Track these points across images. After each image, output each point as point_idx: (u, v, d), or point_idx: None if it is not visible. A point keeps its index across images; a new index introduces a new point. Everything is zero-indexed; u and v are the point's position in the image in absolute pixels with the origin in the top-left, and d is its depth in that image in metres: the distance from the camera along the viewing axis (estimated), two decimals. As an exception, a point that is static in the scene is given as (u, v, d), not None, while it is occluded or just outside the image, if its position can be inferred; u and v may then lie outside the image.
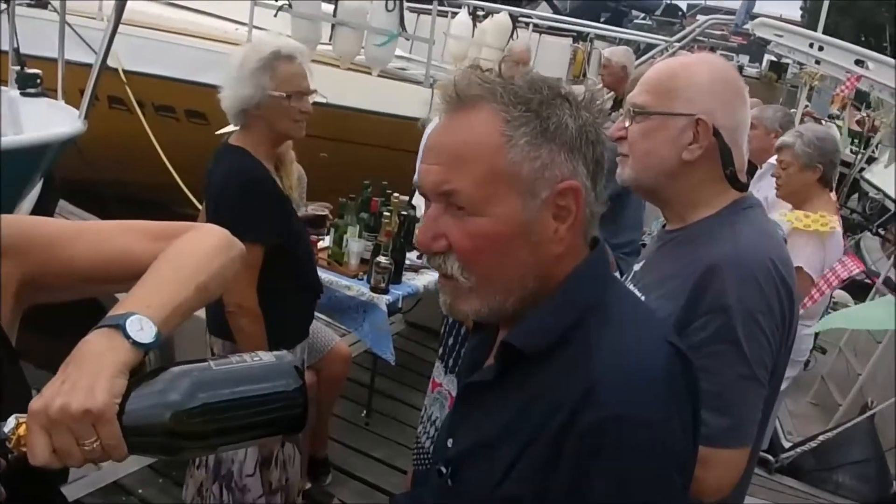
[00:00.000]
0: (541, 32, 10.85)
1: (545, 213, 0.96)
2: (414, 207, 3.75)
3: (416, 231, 1.02)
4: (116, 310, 0.92)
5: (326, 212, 3.24)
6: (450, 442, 1.09)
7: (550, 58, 10.41)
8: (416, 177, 0.99)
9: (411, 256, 3.60)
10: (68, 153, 4.69)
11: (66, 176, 5.52)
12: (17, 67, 5.24)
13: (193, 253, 1.06)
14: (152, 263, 1.03)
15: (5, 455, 0.82)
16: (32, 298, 1.10)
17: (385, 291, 3.35)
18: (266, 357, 0.92)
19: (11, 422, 0.82)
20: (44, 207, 5.31)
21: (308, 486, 3.27)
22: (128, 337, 0.88)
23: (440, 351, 2.59)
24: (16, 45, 5.39)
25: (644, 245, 2.70)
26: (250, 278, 2.35)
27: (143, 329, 0.89)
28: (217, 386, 0.86)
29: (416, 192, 3.26)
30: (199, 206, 3.07)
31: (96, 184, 5.84)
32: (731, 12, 10.22)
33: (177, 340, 2.87)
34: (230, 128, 2.87)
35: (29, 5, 6.03)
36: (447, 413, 1.25)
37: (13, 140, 3.69)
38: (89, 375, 0.83)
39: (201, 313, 2.88)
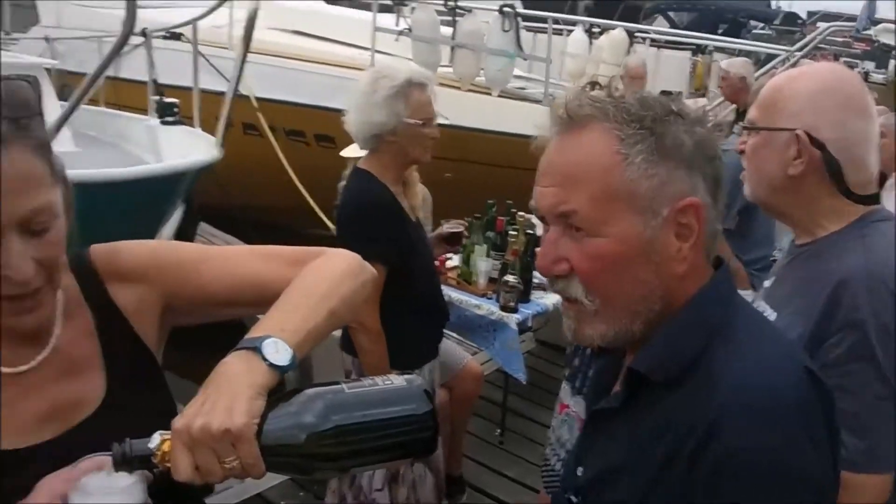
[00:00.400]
0: (658, 47, 10.62)
1: (666, 232, 0.93)
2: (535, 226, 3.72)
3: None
4: (253, 332, 0.95)
5: (462, 228, 3.25)
6: (579, 470, 1.06)
7: (669, 72, 10.18)
8: (532, 201, 0.97)
9: (539, 275, 3.55)
10: (205, 177, 4.90)
11: (204, 201, 5.78)
12: (157, 97, 5.55)
13: (324, 278, 1.08)
14: (286, 289, 1.05)
15: (151, 469, 0.86)
16: (174, 320, 1.18)
17: (514, 310, 3.34)
18: (397, 381, 0.92)
19: (156, 438, 0.86)
20: (185, 231, 5.58)
21: (445, 502, 3.26)
22: (264, 359, 0.90)
23: (566, 372, 2.52)
24: (154, 77, 5.71)
25: (775, 261, 2.57)
26: (371, 297, 2.38)
27: (278, 352, 0.92)
28: (349, 409, 0.88)
29: None
30: (330, 226, 3.13)
31: (231, 207, 6.10)
32: (852, 18, 9.72)
33: (314, 355, 2.93)
34: (353, 149, 2.93)
35: (164, 38, 6.36)
36: (577, 438, 1.20)
37: (154, 168, 3.88)
38: (228, 396, 0.86)
39: (336, 331, 2.95)
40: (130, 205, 3.37)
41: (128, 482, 0.85)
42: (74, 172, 2.74)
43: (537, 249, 2.85)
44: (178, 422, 0.85)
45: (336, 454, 0.87)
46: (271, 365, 0.90)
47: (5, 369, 1.03)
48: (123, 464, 0.85)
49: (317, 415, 0.86)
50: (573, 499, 1.04)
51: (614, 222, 0.92)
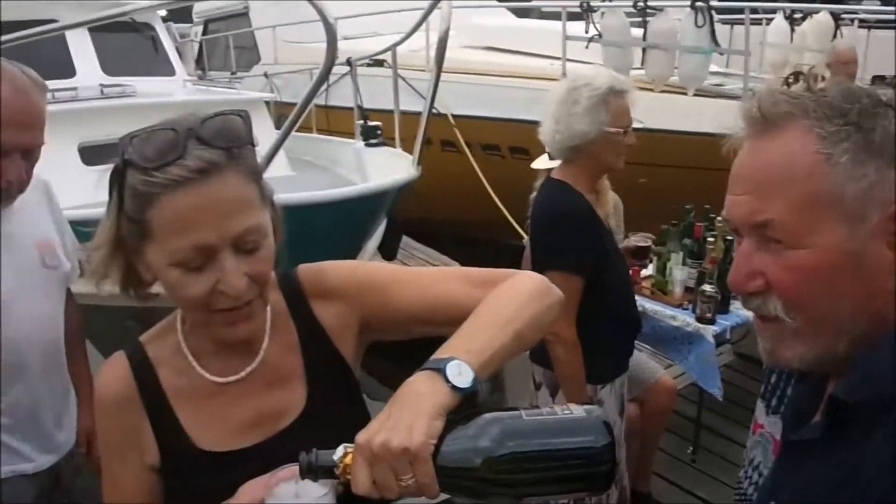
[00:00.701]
0: (869, 27, 9.69)
1: (876, 241, 0.82)
2: (738, 232, 3.56)
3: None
4: (439, 353, 0.99)
5: (649, 242, 3.20)
6: None
7: (882, 54, 9.25)
8: (724, 211, 0.93)
9: (736, 287, 3.40)
10: (407, 194, 5.16)
11: (406, 216, 6.06)
12: (361, 121, 5.91)
13: (511, 300, 1.10)
14: (474, 310, 1.09)
15: (335, 479, 0.92)
16: (371, 337, 1.27)
17: (712, 321, 3.23)
18: (577, 410, 0.92)
19: (340, 451, 0.91)
20: (389, 245, 5.88)
21: None
22: (447, 381, 0.93)
23: (762, 389, 2.39)
24: (359, 102, 6.08)
25: None
26: (567, 308, 2.38)
27: (461, 374, 0.95)
28: (526, 436, 0.88)
29: None
30: (525, 237, 3.20)
31: (432, 221, 6.35)
32: None
33: (506, 368, 3.00)
34: (543, 160, 2.95)
35: (368, 65, 6.73)
36: (771, 465, 1.11)
37: (361, 188, 4.15)
38: (410, 415, 0.89)
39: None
40: (338, 223, 3.62)
41: (320, 492, 0.92)
42: (290, 196, 3.02)
43: None
44: (361, 436, 0.90)
45: (511, 481, 0.88)
46: (453, 387, 0.93)
47: (218, 379, 1.17)
48: (309, 472, 0.91)
49: (493, 440, 0.87)
50: None
51: (818, 232, 0.83)
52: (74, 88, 5.38)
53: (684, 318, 3.28)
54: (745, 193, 0.87)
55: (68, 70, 5.73)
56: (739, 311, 3.34)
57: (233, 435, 1.16)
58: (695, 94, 6.26)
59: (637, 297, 3.25)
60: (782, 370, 2.28)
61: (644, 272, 3.66)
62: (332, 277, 1.24)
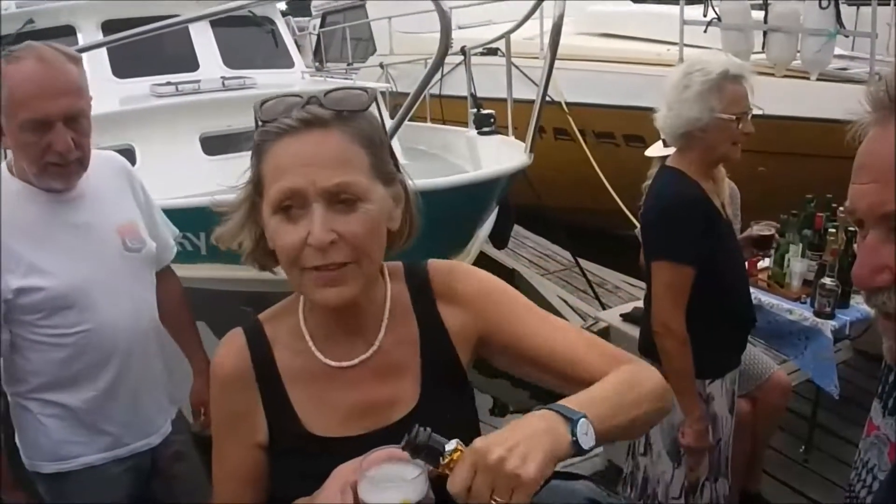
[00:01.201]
0: None
1: None
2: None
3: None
4: (570, 404, 1.01)
5: (773, 231, 3.09)
6: None
7: None
8: (847, 202, 0.87)
9: (859, 282, 3.27)
10: (520, 182, 5.18)
11: (519, 202, 6.09)
12: (475, 109, 5.97)
13: (638, 387, 1.11)
14: (603, 379, 1.10)
15: (435, 465, 0.93)
16: (482, 354, 1.27)
17: (831, 316, 3.10)
18: None
19: (453, 444, 0.93)
20: (501, 233, 5.92)
21: None
22: (573, 434, 0.95)
23: (878, 388, 2.29)
24: (472, 91, 6.14)
25: None
26: (677, 299, 2.35)
27: (587, 434, 0.96)
28: None
29: None
30: (637, 226, 3.18)
31: (545, 210, 6.34)
32: None
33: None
34: (658, 147, 2.90)
35: (482, 54, 6.76)
36: (886, 475, 1.04)
37: (472, 176, 4.20)
38: (532, 448, 0.91)
39: (635, 332, 2.97)
40: (450, 210, 3.67)
41: (413, 474, 0.92)
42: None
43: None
44: (479, 442, 0.92)
45: None
46: (575, 442, 0.95)
47: (332, 363, 1.18)
48: (415, 447, 0.93)
49: None
50: None
51: None
52: (198, 81, 5.64)
53: (801, 313, 3.17)
54: (871, 182, 0.82)
55: (192, 64, 6.03)
56: (860, 306, 3.19)
57: (342, 421, 1.17)
58: (818, 79, 5.99)
59: (753, 290, 3.16)
60: (903, 369, 2.20)
61: (761, 264, 3.54)
62: (465, 284, 1.24)
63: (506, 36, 5.65)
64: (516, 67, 5.91)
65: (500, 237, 6.14)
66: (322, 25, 12.56)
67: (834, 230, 3.22)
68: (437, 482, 0.94)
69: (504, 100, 5.62)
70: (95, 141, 1.94)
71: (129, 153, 4.54)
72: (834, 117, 5.48)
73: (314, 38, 12.88)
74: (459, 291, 1.23)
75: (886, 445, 2.21)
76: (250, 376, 1.19)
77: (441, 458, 0.92)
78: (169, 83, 5.49)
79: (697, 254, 2.33)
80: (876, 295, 0.84)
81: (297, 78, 6.75)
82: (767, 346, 3.33)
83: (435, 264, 1.26)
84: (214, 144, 5.16)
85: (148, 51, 5.52)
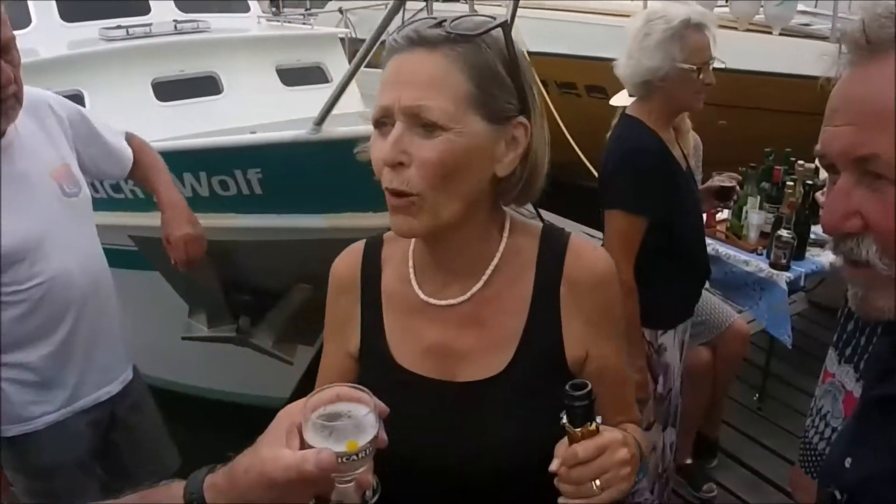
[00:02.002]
0: None
1: None
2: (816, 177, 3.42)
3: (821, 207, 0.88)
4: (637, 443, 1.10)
5: (734, 183, 3.08)
6: (847, 461, 0.91)
7: None
8: (817, 145, 0.84)
9: (816, 230, 3.31)
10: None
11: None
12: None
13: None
14: (633, 428, 1.21)
15: (574, 426, 0.93)
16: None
17: (786, 268, 3.15)
18: None
19: (599, 419, 0.94)
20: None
21: (689, 461, 3.21)
22: (643, 469, 1.06)
23: (835, 337, 2.32)
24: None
25: None
26: (627, 249, 2.32)
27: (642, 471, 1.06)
28: None
29: None
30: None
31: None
32: None
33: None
34: (622, 97, 2.86)
35: (444, 0, 6.63)
36: (846, 422, 1.04)
37: None
38: (634, 467, 0.99)
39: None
40: None
41: (362, 413, 0.88)
42: (350, 129, 2.95)
43: (819, 198, 2.54)
44: (614, 433, 0.97)
45: None
46: (640, 471, 1.04)
47: (426, 298, 1.16)
48: (581, 398, 0.91)
49: None
50: (837, 495, 0.89)
51: None
52: (149, 25, 5.45)
53: (758, 264, 3.21)
54: (846, 125, 0.79)
55: (143, 7, 5.78)
56: (815, 258, 3.26)
57: (419, 358, 1.16)
58: (780, 34, 6.00)
59: (710, 241, 3.19)
60: (858, 318, 2.22)
61: (719, 216, 3.56)
62: (592, 269, 1.16)
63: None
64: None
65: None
66: (279, -31, 12.18)
67: (792, 183, 3.25)
68: (554, 436, 0.96)
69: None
70: (43, 87, 1.84)
71: (78, 99, 4.37)
72: (795, 72, 5.52)
73: (270, -17, 12.49)
74: (584, 276, 1.16)
75: (841, 393, 2.23)
76: (356, 287, 1.22)
77: (587, 424, 0.92)
78: (119, 27, 5.30)
79: (651, 204, 2.30)
80: (844, 241, 0.82)
81: (252, 23, 6.55)
82: (724, 298, 3.36)
83: (576, 240, 1.19)
84: (167, 90, 5.00)
85: (98, -5, 5.32)
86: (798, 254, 3.21)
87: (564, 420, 0.93)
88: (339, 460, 0.83)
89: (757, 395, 3.77)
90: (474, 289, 1.14)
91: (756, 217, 3.37)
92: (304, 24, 6.73)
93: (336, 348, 1.25)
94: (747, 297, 3.27)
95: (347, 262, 1.25)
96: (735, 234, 3.44)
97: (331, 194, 2.94)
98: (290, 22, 6.91)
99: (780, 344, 3.32)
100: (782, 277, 3.12)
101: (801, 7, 6.28)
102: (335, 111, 2.78)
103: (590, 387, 0.91)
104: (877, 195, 0.77)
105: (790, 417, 3.58)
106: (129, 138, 2.27)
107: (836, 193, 0.81)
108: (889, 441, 0.85)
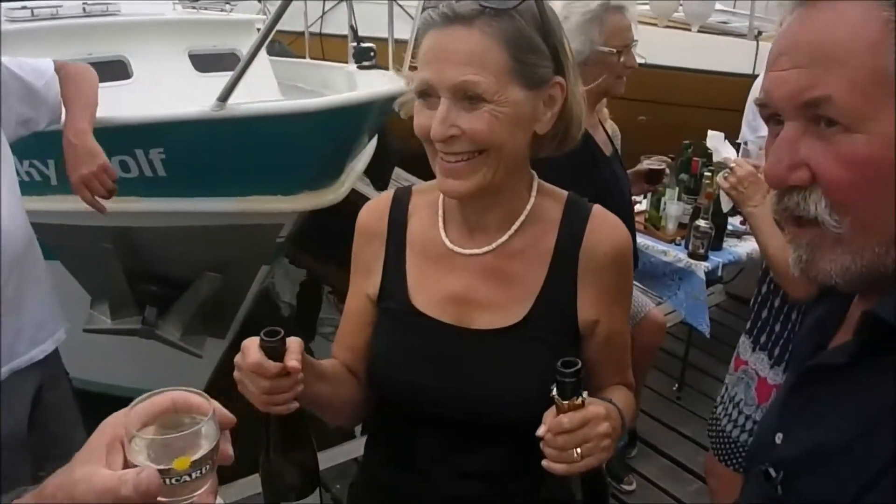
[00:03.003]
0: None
1: None
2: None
3: (764, 165, 0.80)
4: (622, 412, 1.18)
5: (663, 166, 3.06)
6: (778, 437, 0.86)
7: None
8: (759, 93, 0.78)
9: (734, 222, 3.35)
10: (402, 125, 5.02)
11: (404, 147, 5.93)
12: (354, 44, 5.73)
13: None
14: (625, 394, 1.31)
15: (563, 398, 1.00)
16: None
17: (704, 258, 3.17)
18: None
19: (585, 394, 1.01)
20: (379, 173, 5.74)
21: None
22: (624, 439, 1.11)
23: (748, 324, 2.33)
24: (353, 23, 5.88)
25: None
26: None
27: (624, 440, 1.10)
28: None
29: (715, 141, 2.95)
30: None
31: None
32: None
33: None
34: None
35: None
36: (775, 397, 0.99)
37: (337, 99, 3.78)
38: (615, 439, 1.07)
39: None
40: (316, 136, 3.39)
41: (198, 423, 0.72)
42: (261, 106, 2.82)
43: (721, 182, 2.53)
44: (598, 407, 1.04)
45: None
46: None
47: (449, 245, 1.23)
48: (570, 374, 0.97)
49: None
50: (772, 472, 0.84)
51: (879, 117, 0.69)
52: (58, 7, 5.22)
53: (676, 254, 3.23)
54: (794, 67, 0.74)
55: None
56: (733, 249, 3.30)
57: (438, 303, 1.22)
58: (699, 31, 6.10)
59: (629, 231, 3.18)
60: (773, 307, 2.22)
61: (638, 206, 3.57)
62: (617, 267, 1.23)
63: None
64: (398, 5, 5.70)
65: (378, 176, 5.97)
66: (199, -43, 11.84)
67: (710, 174, 3.26)
68: (540, 404, 1.02)
69: (386, 39, 5.42)
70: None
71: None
72: (713, 69, 5.62)
73: (190, -30, 12.13)
74: (604, 251, 1.22)
75: (754, 380, 2.24)
76: (382, 234, 1.29)
77: (573, 398, 0.99)
78: (25, 8, 5.05)
79: (572, 189, 2.26)
80: (790, 196, 0.76)
81: (167, 8, 6.31)
82: (644, 288, 3.36)
83: (601, 213, 1.26)
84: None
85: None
86: (716, 244, 3.23)
87: (554, 392, 0.99)
88: (167, 481, 0.68)
89: (676, 384, 3.80)
90: (499, 241, 1.21)
91: (674, 208, 3.39)
92: (221, 11, 6.52)
93: (357, 290, 1.32)
94: (665, 287, 3.28)
95: (374, 209, 1.32)
96: (653, 225, 3.46)
97: (238, 176, 2.80)
98: (207, 8, 6.70)
99: (697, 334, 3.34)
100: (700, 267, 3.14)
101: (718, 6, 6.41)
102: (250, 98, 2.65)
103: (580, 365, 0.98)
104: (826, 144, 0.72)
105: (708, 406, 3.53)
106: (59, 68, 2.15)
107: (781, 143, 0.75)
108: (821, 413, 0.81)
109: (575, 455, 1.00)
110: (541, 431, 1.02)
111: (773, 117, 0.77)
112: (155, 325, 3.71)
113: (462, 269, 1.22)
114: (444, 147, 1.09)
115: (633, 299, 3.03)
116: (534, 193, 1.24)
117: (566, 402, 0.99)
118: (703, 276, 3.12)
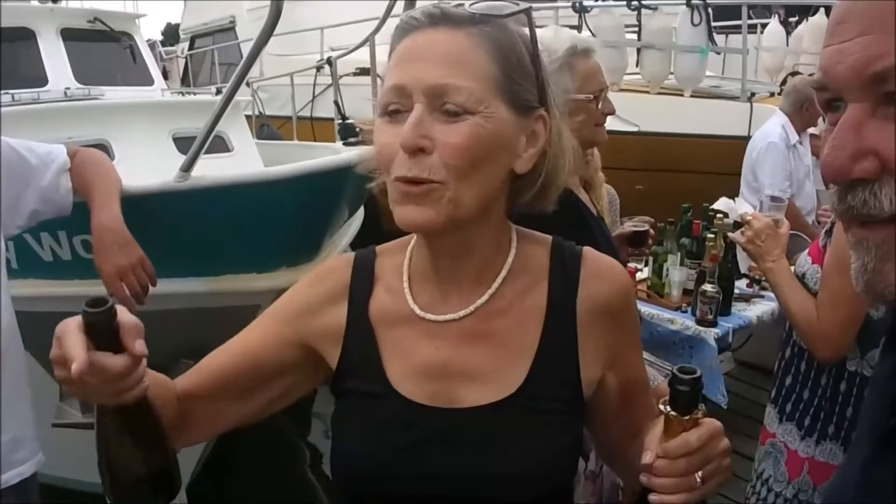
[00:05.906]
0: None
1: None
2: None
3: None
4: None
5: (646, 227, 2.86)
6: None
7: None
8: (817, 72, 0.62)
9: (740, 285, 3.19)
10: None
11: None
12: (340, 120, 5.70)
13: None
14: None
15: (679, 413, 0.87)
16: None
17: (713, 324, 3.02)
18: None
19: (703, 408, 0.88)
20: (371, 241, 5.61)
21: None
22: None
23: (772, 393, 2.14)
24: (338, 99, 5.85)
25: None
26: None
27: None
28: None
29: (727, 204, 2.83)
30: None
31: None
32: None
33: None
34: None
35: (355, 74, 6.60)
36: (836, 482, 0.85)
37: (302, 165, 3.56)
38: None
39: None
40: (288, 205, 3.21)
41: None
42: (228, 176, 2.63)
43: (735, 237, 2.36)
44: (715, 424, 0.89)
45: None
46: None
47: (419, 312, 1.03)
48: (688, 383, 0.84)
49: None
50: None
51: None
52: (40, 92, 5.22)
53: (683, 322, 3.10)
54: (858, 36, 0.60)
55: (41, 80, 5.59)
56: (742, 313, 3.18)
57: (418, 381, 1.03)
58: (692, 96, 6.05)
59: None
60: (799, 372, 2.03)
61: (640, 275, 3.48)
62: (620, 302, 1.08)
63: (370, 39, 5.34)
64: (382, 79, 5.69)
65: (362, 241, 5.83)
66: (191, 48, 12.07)
67: (713, 236, 3.13)
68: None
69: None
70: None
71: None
72: (709, 132, 5.55)
73: (182, 62, 12.37)
74: (607, 297, 1.06)
75: (783, 454, 2.04)
76: (343, 302, 1.08)
77: (694, 412, 0.85)
78: (7, 93, 5.05)
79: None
80: (853, 192, 0.62)
81: (156, 95, 6.34)
82: (652, 358, 3.15)
83: (593, 255, 1.10)
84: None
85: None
86: (724, 309, 3.10)
87: (667, 408, 0.85)
88: None
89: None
90: (480, 301, 1.03)
91: (677, 274, 3.26)
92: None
93: (269, 333, 1.10)
94: (676, 356, 3.11)
95: (335, 267, 1.12)
96: (657, 293, 3.33)
97: (208, 253, 2.61)
98: (195, 94, 6.78)
99: (712, 405, 3.10)
100: (710, 334, 3.00)
101: (709, 73, 6.41)
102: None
103: (699, 372, 0.84)
104: None
105: (729, 482, 3.33)
106: (72, 155, 1.98)
107: (844, 128, 0.61)
108: None
109: (696, 481, 0.86)
110: (648, 459, 0.87)
111: (831, 103, 0.64)
112: (129, 420, 3.46)
113: (439, 339, 1.03)
114: (411, 164, 0.89)
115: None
116: (514, 243, 1.06)
117: (687, 417, 0.84)
118: (713, 343, 2.98)
